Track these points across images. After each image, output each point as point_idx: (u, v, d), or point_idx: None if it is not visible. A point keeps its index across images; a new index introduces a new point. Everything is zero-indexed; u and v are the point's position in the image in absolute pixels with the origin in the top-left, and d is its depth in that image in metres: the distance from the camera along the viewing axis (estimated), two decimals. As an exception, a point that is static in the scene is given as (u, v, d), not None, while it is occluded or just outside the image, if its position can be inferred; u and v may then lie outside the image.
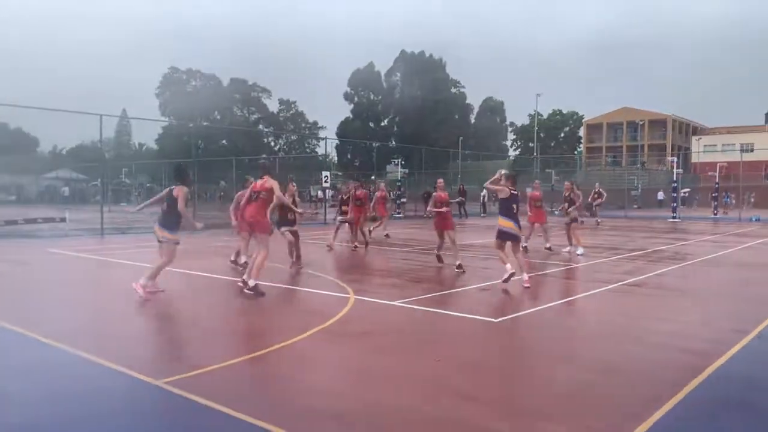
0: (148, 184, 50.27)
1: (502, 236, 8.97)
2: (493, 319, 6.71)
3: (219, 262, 11.66)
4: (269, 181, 8.16)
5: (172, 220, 8.03)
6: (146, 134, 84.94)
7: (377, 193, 18.34)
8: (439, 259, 11.19)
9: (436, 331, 6.40)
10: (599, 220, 24.32)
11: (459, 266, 10.37)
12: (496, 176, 9.13)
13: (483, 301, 8.19)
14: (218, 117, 74.60)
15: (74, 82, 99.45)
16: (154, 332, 6.36)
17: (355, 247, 14.00)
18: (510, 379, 4.78)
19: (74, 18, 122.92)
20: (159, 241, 8.18)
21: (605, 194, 25.34)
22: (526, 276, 8.78)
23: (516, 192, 9.02)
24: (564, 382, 4.64)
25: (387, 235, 17.53)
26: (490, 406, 4.13)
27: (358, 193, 14.46)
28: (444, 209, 10.92)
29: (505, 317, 6.88)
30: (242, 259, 10.59)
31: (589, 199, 23.91)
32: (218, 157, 51.51)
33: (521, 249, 9.12)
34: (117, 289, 8.49)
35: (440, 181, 11.69)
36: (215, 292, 8.82)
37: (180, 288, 9.05)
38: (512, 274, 8.60)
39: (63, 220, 18.02)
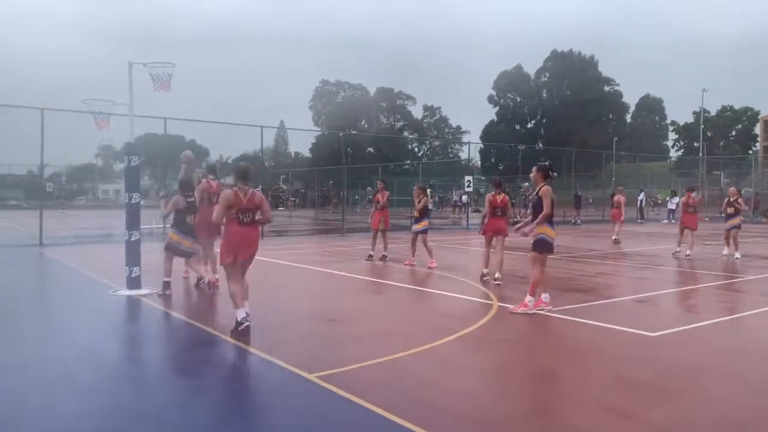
0: (302, 190, 53.63)
1: (548, 249, 7.33)
2: (650, 333, 6.23)
3: (366, 265, 12.10)
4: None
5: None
6: (301, 143, 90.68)
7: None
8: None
9: (585, 342, 6.09)
10: None
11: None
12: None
13: (638, 313, 7.64)
14: (365, 125, 77.52)
15: (238, 98, 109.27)
16: (305, 328, 6.77)
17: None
18: (667, 397, 4.41)
19: (231, 41, 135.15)
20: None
21: None
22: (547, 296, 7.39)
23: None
24: (728, 406, 4.18)
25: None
26: (643, 425, 3.84)
27: (377, 196, 13.03)
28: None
29: (664, 332, 6.35)
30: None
31: None
32: (365, 164, 53.57)
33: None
34: (274, 286, 9.15)
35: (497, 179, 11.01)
36: (362, 292, 9.17)
37: (327, 288, 9.56)
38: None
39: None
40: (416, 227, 11.83)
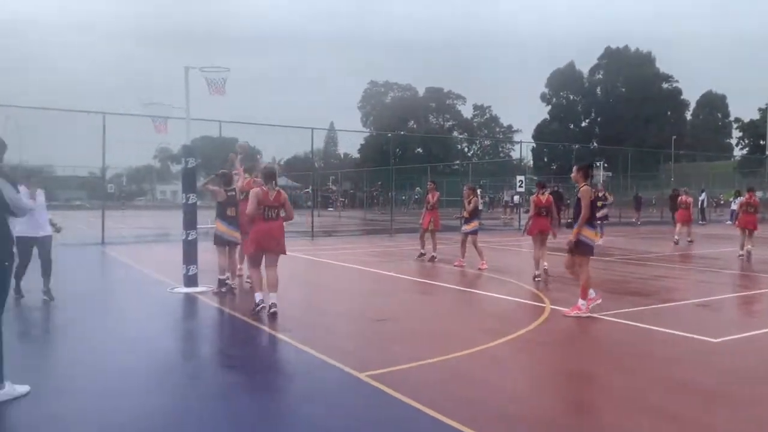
0: (351, 190, 54.03)
1: (588, 251, 7.13)
2: (712, 339, 5.97)
3: (414, 265, 12.09)
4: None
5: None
6: (350, 144, 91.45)
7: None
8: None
9: (642, 347, 5.88)
10: None
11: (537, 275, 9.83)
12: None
13: (700, 318, 7.34)
14: (414, 125, 77.45)
15: (289, 99, 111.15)
16: (356, 328, 6.82)
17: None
18: (724, 405, 4.20)
19: (282, 43, 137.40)
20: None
21: None
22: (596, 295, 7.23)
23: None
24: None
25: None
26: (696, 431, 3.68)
27: (428, 196, 13.05)
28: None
29: (727, 338, 6.07)
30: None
31: None
32: (413, 164, 53.45)
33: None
34: (324, 286, 9.26)
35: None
36: (411, 292, 9.16)
37: (376, 288, 9.59)
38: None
39: (280, 223, 20.17)
40: (466, 228, 11.73)
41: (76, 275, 10.37)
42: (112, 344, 5.94)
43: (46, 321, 7.25)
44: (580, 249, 7.13)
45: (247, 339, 6.34)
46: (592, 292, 7.17)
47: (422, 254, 12.89)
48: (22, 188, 4.24)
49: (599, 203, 17.42)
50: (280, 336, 6.08)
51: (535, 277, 9.82)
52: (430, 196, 13.03)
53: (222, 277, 8.69)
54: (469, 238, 11.68)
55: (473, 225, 11.64)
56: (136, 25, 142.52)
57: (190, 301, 8.23)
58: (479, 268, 11.15)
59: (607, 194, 18.34)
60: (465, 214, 11.80)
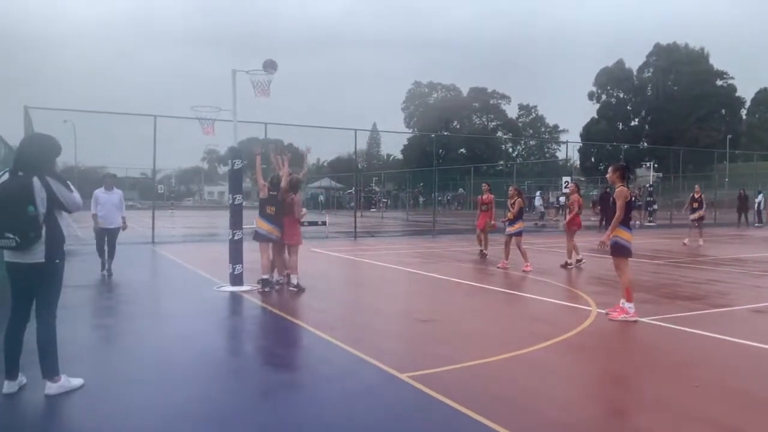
0: (394, 191, 54.13)
1: (626, 252, 6.99)
2: (767, 346, 5.72)
3: (457, 266, 12.02)
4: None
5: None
6: (393, 145, 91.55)
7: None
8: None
9: (694, 353, 5.69)
10: None
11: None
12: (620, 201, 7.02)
13: (754, 323, 7.04)
14: (457, 126, 76.92)
15: (333, 100, 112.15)
16: (397, 328, 6.83)
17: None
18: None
19: (327, 44, 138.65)
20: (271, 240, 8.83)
21: None
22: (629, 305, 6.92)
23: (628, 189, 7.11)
24: None
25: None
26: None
27: (483, 197, 13.75)
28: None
29: (786, 346, 5.80)
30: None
31: None
32: (457, 165, 53.10)
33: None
34: (366, 286, 9.30)
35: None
36: (454, 294, 9.11)
37: (418, 289, 9.58)
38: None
39: (324, 223, 20.42)
40: (510, 230, 11.62)
41: (128, 274, 10.74)
42: (159, 341, 6.13)
43: (99, 317, 7.53)
44: (617, 251, 7.02)
45: (290, 337, 6.44)
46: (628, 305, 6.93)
47: (483, 253, 13.54)
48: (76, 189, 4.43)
49: (694, 204, 17.41)
50: (322, 335, 6.14)
51: (566, 264, 11.57)
52: (485, 197, 13.71)
53: (266, 276, 8.84)
54: (513, 239, 11.55)
55: (517, 226, 11.50)
56: (188, 30, 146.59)
57: (235, 299, 8.40)
58: (524, 270, 11.01)
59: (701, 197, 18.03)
60: (509, 215, 11.66)
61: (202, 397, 4.39)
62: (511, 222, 11.59)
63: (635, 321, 6.76)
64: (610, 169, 7.39)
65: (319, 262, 12.91)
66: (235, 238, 9.20)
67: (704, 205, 18.17)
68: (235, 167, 9.40)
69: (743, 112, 73.08)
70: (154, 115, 16.55)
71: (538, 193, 34.08)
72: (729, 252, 15.30)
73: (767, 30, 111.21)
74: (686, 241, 17.49)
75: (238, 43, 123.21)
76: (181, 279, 10.63)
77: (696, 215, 17.67)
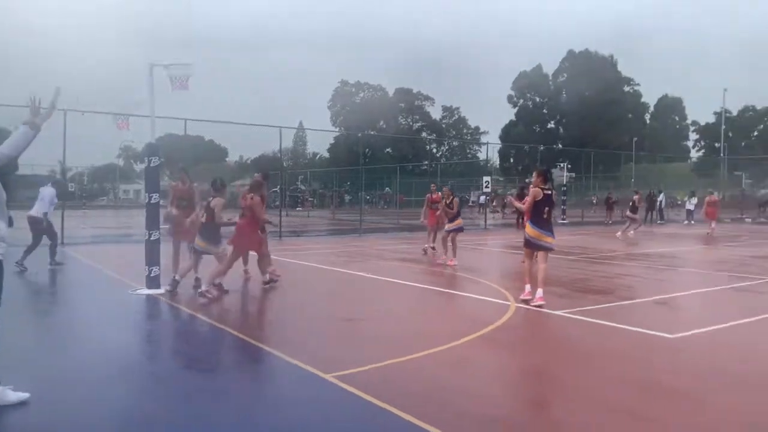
0: (320, 190, 53.82)
1: (529, 246, 7.94)
2: (668, 335, 6.15)
3: (383, 264, 12.12)
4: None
5: (212, 231, 8.38)
6: (320, 144, 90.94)
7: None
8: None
9: (603, 344, 6.02)
10: None
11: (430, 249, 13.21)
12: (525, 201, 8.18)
13: (658, 314, 7.54)
14: (384, 126, 77.51)
15: (258, 99, 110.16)
16: (322, 328, 6.79)
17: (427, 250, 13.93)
18: (682, 401, 4.34)
19: (252, 42, 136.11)
20: (195, 250, 8.60)
21: None
22: (540, 292, 7.59)
23: (550, 192, 7.84)
24: (746, 411, 4.10)
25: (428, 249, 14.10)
26: (656, 428, 3.79)
27: (434, 196, 14.12)
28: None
29: (684, 333, 6.26)
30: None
31: None
32: (384, 164, 53.53)
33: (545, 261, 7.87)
34: (291, 286, 9.20)
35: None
36: (379, 292, 9.18)
37: (345, 288, 9.58)
38: (526, 300, 7.66)
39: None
40: (450, 226, 12.20)
41: (34, 277, 10.07)
42: (70, 346, 5.79)
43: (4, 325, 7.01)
44: (524, 244, 8.01)
45: (210, 341, 6.26)
46: (539, 292, 7.60)
47: (433, 249, 13.56)
48: None
49: (630, 204, 20.20)
50: (244, 337, 6.01)
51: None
52: (435, 196, 13.94)
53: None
54: (451, 235, 12.15)
55: (457, 223, 12.17)
56: (101, 22, 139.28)
57: (152, 303, 8.06)
58: (447, 264, 11.48)
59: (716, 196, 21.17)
60: (450, 213, 12.23)
61: (115, 405, 4.18)
62: (451, 219, 12.21)
63: (544, 310, 7.30)
64: (534, 173, 8.09)
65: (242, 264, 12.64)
66: (152, 238, 8.84)
67: (638, 208, 20.84)
68: (152, 164, 9.03)
69: (647, 117, 78.12)
70: (65, 109, 15.60)
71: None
72: (637, 248, 16.30)
73: (669, 41, 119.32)
74: (619, 234, 19.67)
75: (157, 38, 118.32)
76: (92, 282, 10.08)
77: (631, 214, 20.15)
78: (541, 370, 5.18)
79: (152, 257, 8.77)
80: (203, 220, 8.39)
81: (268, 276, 9.12)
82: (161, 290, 8.57)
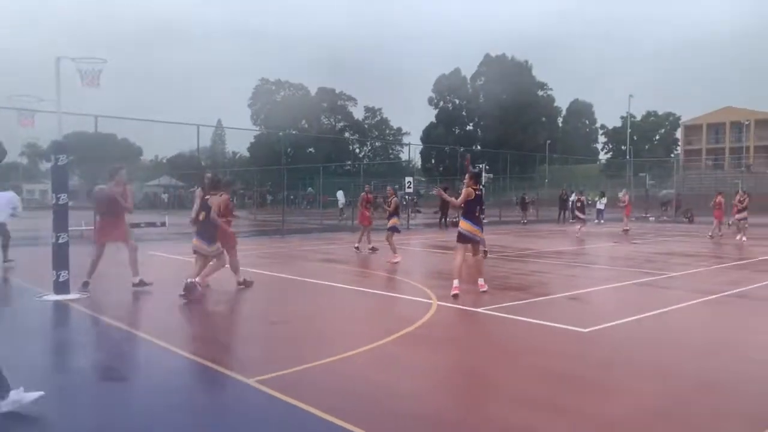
0: (241, 191, 52.58)
1: (462, 239, 8.65)
2: (582, 329, 6.49)
3: (307, 266, 12.02)
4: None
5: (209, 231, 8.31)
6: (239, 143, 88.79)
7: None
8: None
9: (521, 339, 6.28)
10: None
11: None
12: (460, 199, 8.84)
13: (572, 310, 7.94)
14: (306, 125, 76.84)
15: (173, 96, 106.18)
16: (243, 332, 6.66)
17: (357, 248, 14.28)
18: (597, 391, 4.61)
19: (166, 38, 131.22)
20: (194, 252, 8.50)
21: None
22: (482, 281, 8.66)
23: (480, 192, 8.77)
24: (656, 398, 4.41)
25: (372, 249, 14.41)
26: (575, 418, 4.00)
27: (368, 197, 14.97)
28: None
29: (595, 327, 6.63)
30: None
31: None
32: (306, 164, 53.05)
33: (481, 253, 9.08)
34: (212, 289, 8.94)
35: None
36: (302, 294, 9.10)
37: (268, 290, 9.44)
38: (456, 295, 8.12)
39: (163, 224, 19.23)
40: (390, 224, 13.02)
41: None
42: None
43: None
44: (457, 238, 8.65)
45: (125, 348, 5.98)
46: (457, 282, 8.23)
47: (374, 248, 14.01)
48: None
49: (578, 204, 21.99)
50: (161, 343, 5.78)
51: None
52: (370, 196, 14.88)
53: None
54: (387, 234, 12.86)
55: (393, 222, 13.00)
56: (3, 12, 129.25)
57: (60, 309, 7.61)
58: (390, 261, 12.08)
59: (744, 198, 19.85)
60: (389, 210, 13.18)
61: (28, 417, 3.92)
62: (389, 218, 13.06)
63: (455, 296, 7.92)
64: (467, 176, 8.95)
65: (159, 266, 12.15)
66: (60, 241, 8.33)
67: (585, 208, 22.56)
68: (59, 163, 8.50)
69: (560, 120, 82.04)
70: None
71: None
72: (550, 245, 17.07)
73: (581, 47, 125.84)
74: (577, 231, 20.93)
75: (65, 31, 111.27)
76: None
77: (581, 215, 21.76)
78: (463, 367, 5.33)
79: (61, 261, 8.27)
80: (201, 218, 8.26)
81: (242, 277, 9.13)
82: (71, 295, 8.10)
